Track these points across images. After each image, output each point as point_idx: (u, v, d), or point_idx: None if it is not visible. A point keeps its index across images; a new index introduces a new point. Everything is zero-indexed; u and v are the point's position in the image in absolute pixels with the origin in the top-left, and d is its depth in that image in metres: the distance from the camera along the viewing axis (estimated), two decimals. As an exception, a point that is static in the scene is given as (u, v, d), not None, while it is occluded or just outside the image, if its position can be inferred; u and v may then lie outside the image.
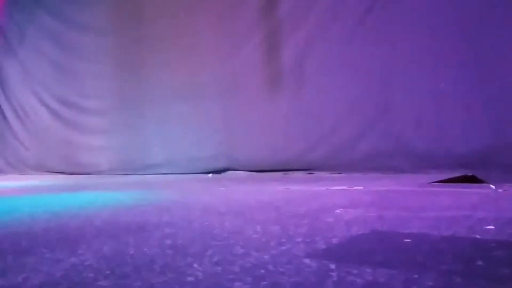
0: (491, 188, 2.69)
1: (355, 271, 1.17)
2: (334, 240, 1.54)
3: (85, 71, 6.61)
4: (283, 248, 1.46)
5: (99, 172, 6.31)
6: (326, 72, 4.82)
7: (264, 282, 1.13)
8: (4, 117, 7.48)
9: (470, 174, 3.19)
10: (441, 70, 4.07)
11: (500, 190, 2.61)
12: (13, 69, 7.31)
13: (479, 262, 1.22)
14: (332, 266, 1.23)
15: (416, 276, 1.12)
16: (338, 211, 2.12)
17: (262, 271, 1.23)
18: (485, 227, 1.65)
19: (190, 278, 1.19)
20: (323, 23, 4.83)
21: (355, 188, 3.08)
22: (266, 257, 1.36)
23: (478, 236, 1.53)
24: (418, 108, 4.19)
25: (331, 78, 4.80)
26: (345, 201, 2.49)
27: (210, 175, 5.42)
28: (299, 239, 1.57)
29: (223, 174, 5.41)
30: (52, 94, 6.94)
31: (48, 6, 6.92)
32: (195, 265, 1.31)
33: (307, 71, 4.95)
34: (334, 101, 4.75)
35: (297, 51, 5.01)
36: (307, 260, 1.30)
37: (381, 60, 4.46)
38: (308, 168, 4.83)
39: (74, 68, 6.71)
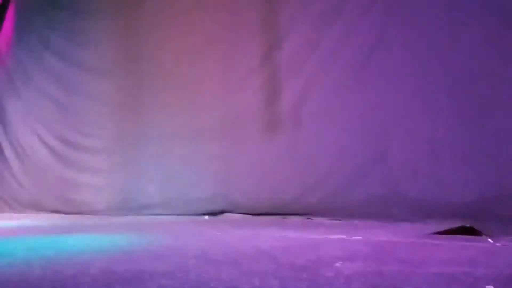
0: (488, 242, 2.68)
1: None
2: (334, 298, 1.53)
3: (86, 111, 6.66)
4: (282, 306, 1.44)
5: (95, 212, 6.25)
6: (324, 117, 4.88)
7: None
8: (3, 155, 7.45)
9: (468, 225, 3.19)
10: (438, 119, 4.12)
11: (498, 244, 2.60)
12: (16, 108, 7.34)
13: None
14: (332, 330, 1.21)
15: None
16: (337, 264, 2.10)
17: (261, 333, 1.21)
18: (485, 286, 1.63)
19: None
20: (322, 70, 4.92)
21: (353, 237, 3.06)
22: (265, 316, 1.35)
23: (478, 297, 1.52)
24: (414, 157, 4.22)
25: (328, 124, 4.86)
26: (344, 253, 2.47)
27: (206, 217, 5.37)
28: (298, 296, 1.55)
29: (219, 217, 5.37)
30: (52, 132, 6.96)
31: (55, 48, 7.04)
32: (192, 324, 1.29)
33: (305, 116, 5.01)
34: (331, 146, 4.78)
35: (295, 96, 5.08)
36: (306, 322, 1.28)
37: (379, 107, 4.52)
38: (306, 213, 4.80)
39: (75, 107, 6.76)
